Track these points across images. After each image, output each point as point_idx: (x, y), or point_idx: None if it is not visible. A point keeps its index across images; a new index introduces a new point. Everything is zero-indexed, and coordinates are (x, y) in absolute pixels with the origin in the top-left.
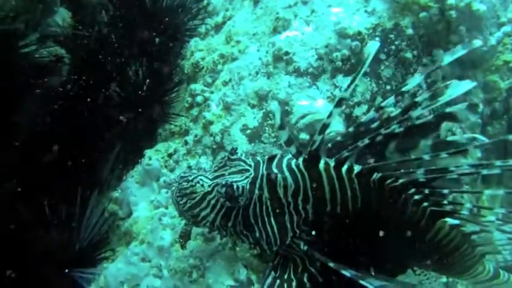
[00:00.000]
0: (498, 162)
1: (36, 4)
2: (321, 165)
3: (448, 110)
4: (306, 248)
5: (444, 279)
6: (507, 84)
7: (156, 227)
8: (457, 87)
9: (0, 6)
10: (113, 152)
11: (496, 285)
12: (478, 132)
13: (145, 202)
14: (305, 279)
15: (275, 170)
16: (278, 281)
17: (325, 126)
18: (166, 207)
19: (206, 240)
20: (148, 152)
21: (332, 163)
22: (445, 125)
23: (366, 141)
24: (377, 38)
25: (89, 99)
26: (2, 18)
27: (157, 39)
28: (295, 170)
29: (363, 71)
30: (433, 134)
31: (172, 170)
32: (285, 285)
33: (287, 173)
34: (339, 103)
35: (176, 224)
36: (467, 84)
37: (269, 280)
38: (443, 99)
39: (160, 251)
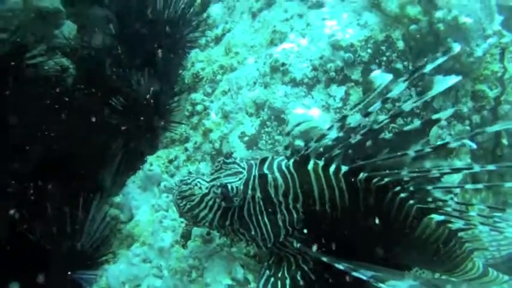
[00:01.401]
0: (477, 167)
1: (43, 17)
2: (310, 165)
3: (434, 116)
4: (299, 245)
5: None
6: (495, 93)
7: (156, 229)
8: (443, 82)
9: (9, 19)
10: (116, 159)
11: (485, 283)
12: (467, 138)
13: (147, 206)
14: (298, 277)
15: (266, 171)
16: (272, 279)
17: (323, 136)
18: (167, 211)
19: (204, 241)
20: (149, 158)
21: (321, 163)
22: (435, 131)
23: (358, 137)
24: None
25: (93, 108)
26: (12, 30)
27: (159, 51)
28: (285, 170)
29: (371, 97)
30: (422, 140)
31: (172, 176)
32: (279, 283)
33: (277, 174)
34: (342, 119)
35: (176, 226)
36: (452, 79)
37: (264, 278)
38: (431, 94)
39: (160, 252)
